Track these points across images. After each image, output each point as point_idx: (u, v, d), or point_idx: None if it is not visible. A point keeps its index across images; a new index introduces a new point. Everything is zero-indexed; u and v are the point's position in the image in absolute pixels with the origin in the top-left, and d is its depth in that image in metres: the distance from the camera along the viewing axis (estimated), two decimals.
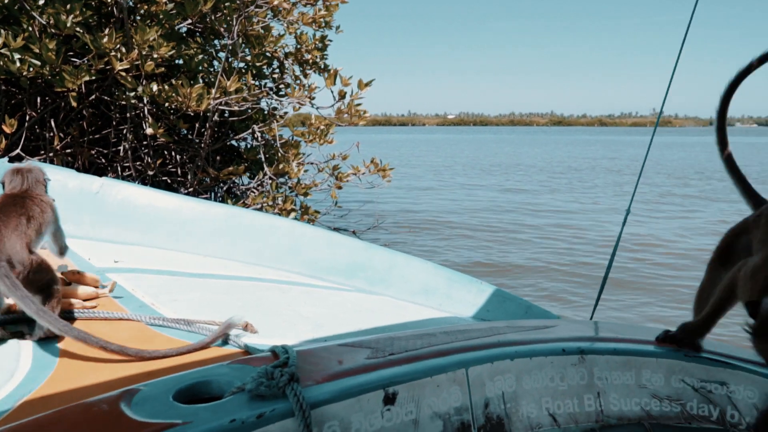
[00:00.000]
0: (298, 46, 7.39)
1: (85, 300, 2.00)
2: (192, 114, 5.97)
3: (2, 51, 4.71)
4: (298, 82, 7.51)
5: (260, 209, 6.83)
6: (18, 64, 4.77)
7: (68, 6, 4.93)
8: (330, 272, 2.71)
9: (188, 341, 1.68)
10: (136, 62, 5.33)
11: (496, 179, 20.83)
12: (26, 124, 5.71)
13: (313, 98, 6.93)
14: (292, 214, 6.94)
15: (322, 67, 7.62)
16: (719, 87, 1.77)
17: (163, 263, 2.60)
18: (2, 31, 4.69)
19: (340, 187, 7.48)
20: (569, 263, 8.33)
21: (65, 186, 2.93)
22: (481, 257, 8.65)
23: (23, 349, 1.60)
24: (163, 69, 5.71)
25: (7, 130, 5.15)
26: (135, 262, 2.56)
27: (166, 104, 5.65)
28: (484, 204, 14.32)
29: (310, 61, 7.51)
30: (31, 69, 4.84)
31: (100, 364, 1.52)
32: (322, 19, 7.28)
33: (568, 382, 1.37)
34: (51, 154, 5.91)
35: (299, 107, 7.04)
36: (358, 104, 6.74)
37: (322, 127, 7.14)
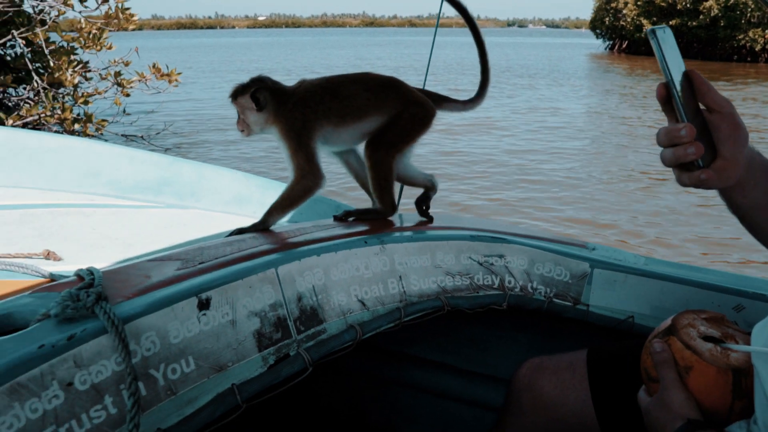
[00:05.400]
0: None
1: None
2: None
3: None
4: None
5: (38, 121, 6.33)
6: None
7: None
8: (136, 191, 2.59)
9: None
10: None
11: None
12: None
13: (71, 3, 6.36)
14: (77, 125, 6.50)
15: None
16: None
17: None
18: None
19: (127, 95, 7.07)
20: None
21: None
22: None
23: None
24: None
25: None
26: None
27: None
28: None
29: None
30: None
31: None
32: None
33: (372, 270, 1.52)
34: None
35: (63, 12, 6.42)
36: (127, 8, 6.33)
37: (94, 31, 6.56)
